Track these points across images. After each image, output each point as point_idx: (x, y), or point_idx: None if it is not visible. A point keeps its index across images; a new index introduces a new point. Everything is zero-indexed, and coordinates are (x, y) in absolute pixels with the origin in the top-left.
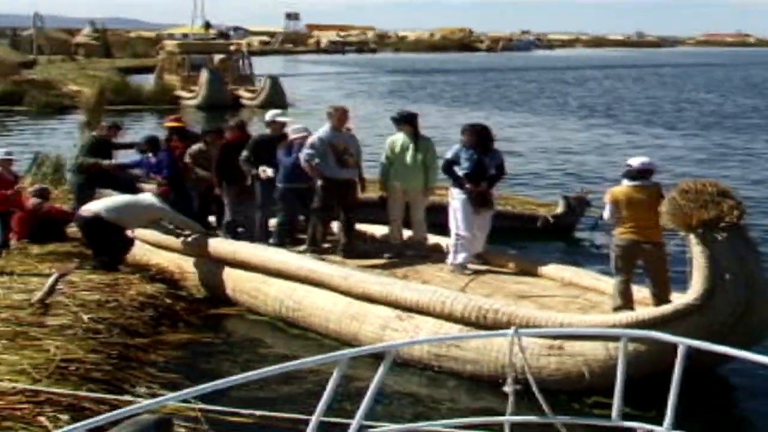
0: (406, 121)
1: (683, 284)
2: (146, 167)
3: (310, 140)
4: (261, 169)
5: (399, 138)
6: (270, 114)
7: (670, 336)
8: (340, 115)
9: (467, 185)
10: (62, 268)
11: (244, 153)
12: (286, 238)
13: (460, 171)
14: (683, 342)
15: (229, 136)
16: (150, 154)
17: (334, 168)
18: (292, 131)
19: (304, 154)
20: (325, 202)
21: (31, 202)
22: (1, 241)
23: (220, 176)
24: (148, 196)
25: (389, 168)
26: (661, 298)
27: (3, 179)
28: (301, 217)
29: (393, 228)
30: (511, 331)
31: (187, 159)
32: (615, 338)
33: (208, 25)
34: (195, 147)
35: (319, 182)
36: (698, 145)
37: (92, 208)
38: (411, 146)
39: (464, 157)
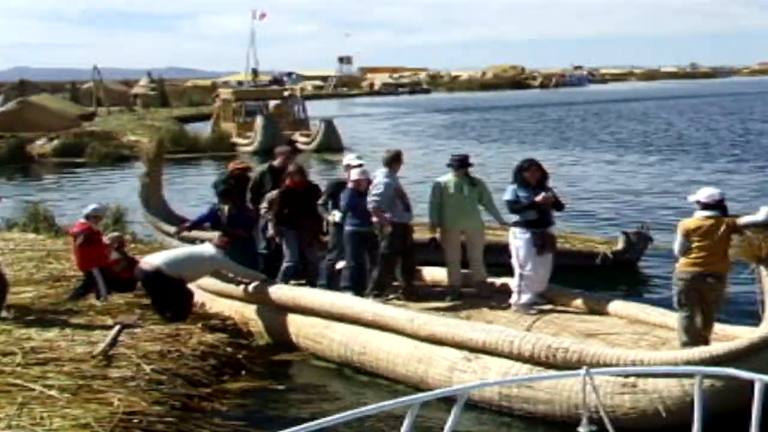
0: (460, 166)
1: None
2: (219, 220)
3: (377, 188)
4: (332, 213)
5: (450, 180)
6: (347, 159)
7: (746, 373)
8: (398, 159)
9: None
10: (124, 320)
11: (322, 198)
12: (356, 285)
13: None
14: (760, 378)
15: (289, 181)
16: (224, 207)
17: (401, 212)
18: (354, 173)
19: (373, 201)
20: (394, 247)
21: (112, 256)
22: (105, 296)
23: (279, 222)
24: (207, 248)
25: (441, 211)
26: (708, 332)
27: (97, 235)
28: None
29: (452, 270)
30: (582, 371)
31: (264, 206)
32: (689, 375)
33: (255, 73)
34: (270, 196)
35: (388, 228)
36: (762, 176)
37: (153, 261)
38: (465, 188)
39: (523, 195)
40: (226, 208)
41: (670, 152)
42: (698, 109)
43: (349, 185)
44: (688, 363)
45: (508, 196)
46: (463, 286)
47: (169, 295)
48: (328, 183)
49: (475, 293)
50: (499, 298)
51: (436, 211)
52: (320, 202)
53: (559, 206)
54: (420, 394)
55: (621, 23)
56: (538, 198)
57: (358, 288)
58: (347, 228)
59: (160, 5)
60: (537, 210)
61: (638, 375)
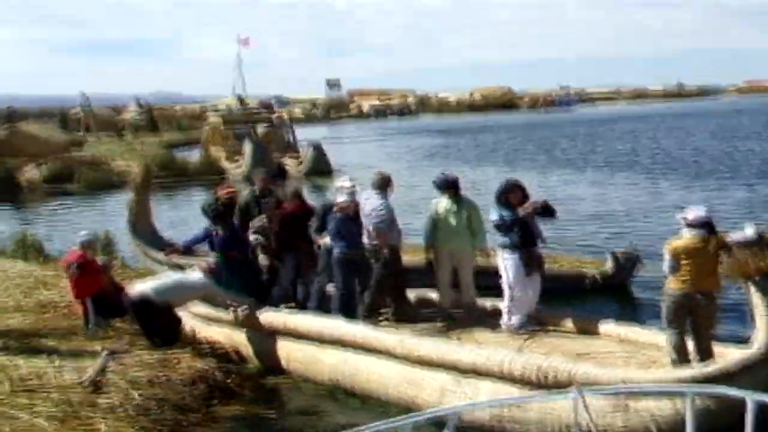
0: (446, 186)
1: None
2: (213, 243)
3: (379, 210)
4: (323, 236)
5: (442, 202)
6: (339, 181)
7: (737, 390)
8: (389, 182)
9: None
10: (113, 347)
11: (314, 221)
12: (346, 309)
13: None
14: (751, 397)
15: (288, 206)
16: (218, 228)
17: (396, 236)
18: (341, 198)
19: (375, 223)
20: (389, 270)
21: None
22: (93, 326)
23: (279, 246)
24: (194, 273)
25: (434, 232)
26: (703, 351)
27: (93, 264)
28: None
29: (442, 292)
30: (574, 391)
31: (251, 236)
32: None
33: (241, 100)
34: (257, 221)
35: (386, 251)
36: (748, 195)
37: (140, 288)
38: (455, 209)
39: (506, 215)
40: (219, 229)
41: (659, 172)
42: (686, 129)
43: (335, 209)
44: (679, 382)
45: (493, 216)
46: (453, 307)
47: (157, 321)
48: (319, 206)
49: (465, 316)
50: (489, 320)
51: (429, 232)
52: (312, 225)
53: (550, 211)
54: (412, 415)
55: (603, 44)
56: (523, 208)
57: (348, 312)
58: (335, 252)
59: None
60: (522, 231)
61: (629, 394)
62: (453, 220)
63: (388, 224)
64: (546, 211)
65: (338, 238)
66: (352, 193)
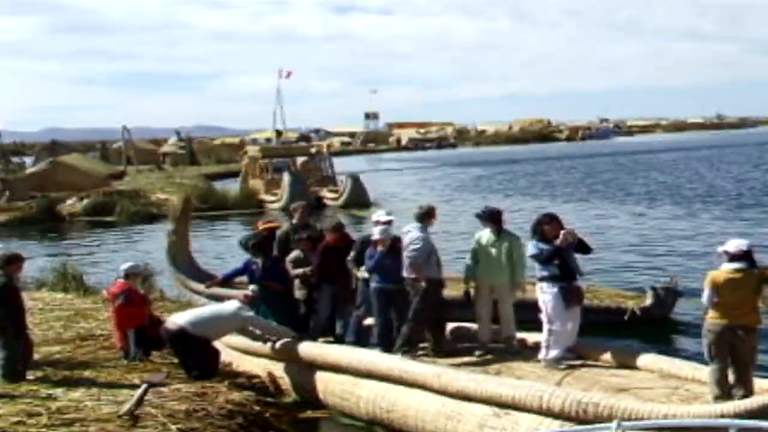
0: (489, 219)
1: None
2: (253, 273)
3: (415, 242)
4: (360, 269)
5: (484, 234)
6: (376, 215)
7: None
8: (430, 214)
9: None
10: (151, 379)
11: (352, 253)
12: (384, 342)
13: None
14: None
15: (329, 238)
16: (258, 260)
17: (434, 268)
18: (377, 232)
19: (411, 255)
20: (427, 303)
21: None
22: (139, 356)
23: (319, 278)
24: (233, 305)
25: (474, 264)
26: (742, 386)
27: (137, 294)
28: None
29: (481, 326)
30: (614, 424)
31: (288, 267)
32: (723, 430)
33: (279, 133)
34: (293, 254)
35: (423, 283)
36: None
37: (178, 321)
38: (496, 242)
39: (544, 249)
40: (260, 261)
41: (700, 204)
42: (727, 159)
43: (374, 244)
44: (722, 417)
45: (532, 251)
46: (492, 341)
47: (195, 353)
48: (357, 239)
49: (504, 350)
50: (528, 354)
51: (471, 264)
52: (349, 258)
53: (585, 248)
54: None
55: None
56: (559, 239)
57: (385, 345)
58: (373, 285)
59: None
60: (561, 263)
61: (671, 429)
62: (494, 253)
63: (424, 256)
64: (581, 246)
65: (375, 271)
66: (386, 230)
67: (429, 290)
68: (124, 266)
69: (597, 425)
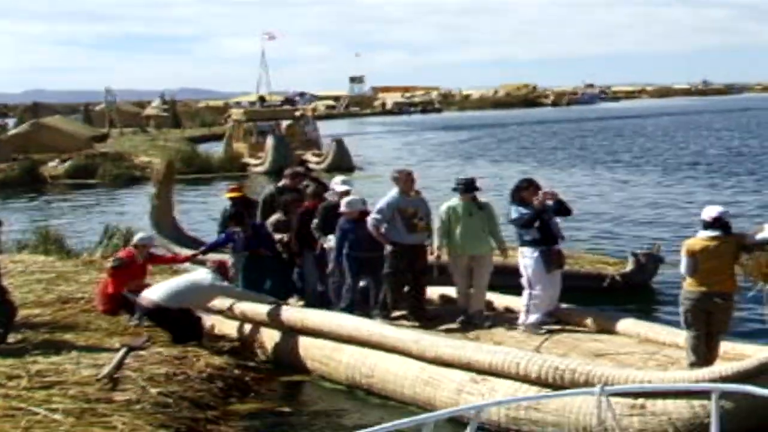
0: (467, 190)
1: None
2: (236, 243)
3: (377, 205)
4: (327, 238)
5: (458, 204)
6: (333, 182)
7: (763, 390)
8: (405, 179)
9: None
10: (131, 342)
11: (315, 221)
12: (353, 305)
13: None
14: None
15: (308, 203)
16: (238, 230)
17: (402, 233)
18: (343, 205)
19: (371, 219)
20: (395, 268)
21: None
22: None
23: (299, 244)
24: (205, 275)
25: (449, 235)
26: (711, 352)
27: (134, 265)
28: (362, 283)
29: (460, 294)
30: (597, 388)
31: (269, 230)
32: (699, 396)
33: (262, 99)
34: (274, 217)
35: (388, 248)
36: None
37: (151, 296)
38: (473, 212)
39: (524, 213)
40: (241, 231)
41: (686, 170)
42: (711, 125)
43: (342, 215)
44: (698, 383)
45: (513, 214)
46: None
47: (175, 325)
48: (320, 206)
49: (477, 322)
50: (507, 318)
51: (443, 235)
52: (313, 225)
53: (565, 210)
54: (435, 413)
55: (631, 41)
56: (537, 199)
57: (352, 308)
58: (345, 252)
59: (175, 28)
60: (541, 227)
61: (648, 396)
62: (473, 223)
63: (385, 220)
64: (560, 207)
65: (346, 243)
66: (351, 202)
67: (397, 255)
68: (135, 237)
69: (581, 389)
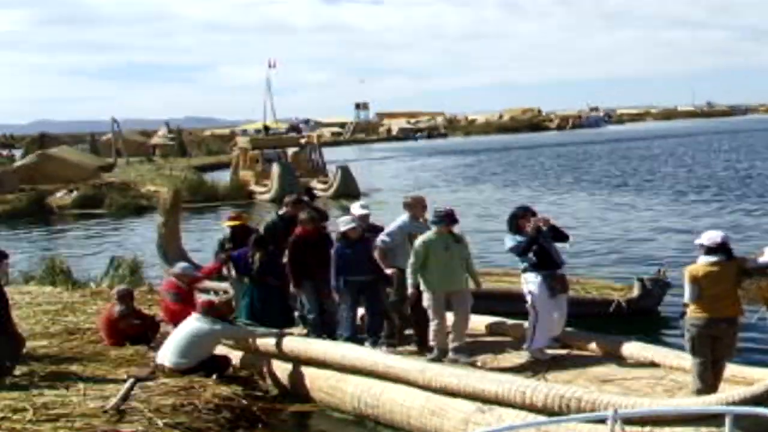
0: (449, 221)
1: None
2: (248, 266)
3: (388, 228)
4: None
5: (433, 239)
6: (353, 207)
7: None
8: (417, 204)
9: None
10: (137, 373)
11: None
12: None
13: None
14: None
15: (300, 229)
16: (256, 255)
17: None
18: (341, 222)
19: (379, 242)
20: (401, 295)
21: (115, 309)
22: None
23: (294, 272)
24: (201, 324)
25: (424, 271)
26: (715, 376)
27: (183, 293)
28: (361, 311)
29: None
30: (610, 412)
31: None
32: (706, 422)
33: (266, 129)
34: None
35: (389, 271)
36: None
37: (164, 362)
38: (451, 246)
39: (521, 241)
40: (258, 255)
41: (692, 193)
42: (718, 147)
43: (339, 236)
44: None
45: (508, 243)
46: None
47: (201, 371)
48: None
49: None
50: (513, 344)
51: (417, 272)
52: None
53: (560, 235)
54: None
55: (632, 64)
56: (530, 227)
57: (355, 337)
58: (342, 277)
59: (179, 57)
60: (540, 252)
61: (655, 423)
62: (451, 259)
63: (393, 245)
64: (556, 234)
65: (341, 265)
66: (356, 219)
67: (402, 281)
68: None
69: (595, 413)
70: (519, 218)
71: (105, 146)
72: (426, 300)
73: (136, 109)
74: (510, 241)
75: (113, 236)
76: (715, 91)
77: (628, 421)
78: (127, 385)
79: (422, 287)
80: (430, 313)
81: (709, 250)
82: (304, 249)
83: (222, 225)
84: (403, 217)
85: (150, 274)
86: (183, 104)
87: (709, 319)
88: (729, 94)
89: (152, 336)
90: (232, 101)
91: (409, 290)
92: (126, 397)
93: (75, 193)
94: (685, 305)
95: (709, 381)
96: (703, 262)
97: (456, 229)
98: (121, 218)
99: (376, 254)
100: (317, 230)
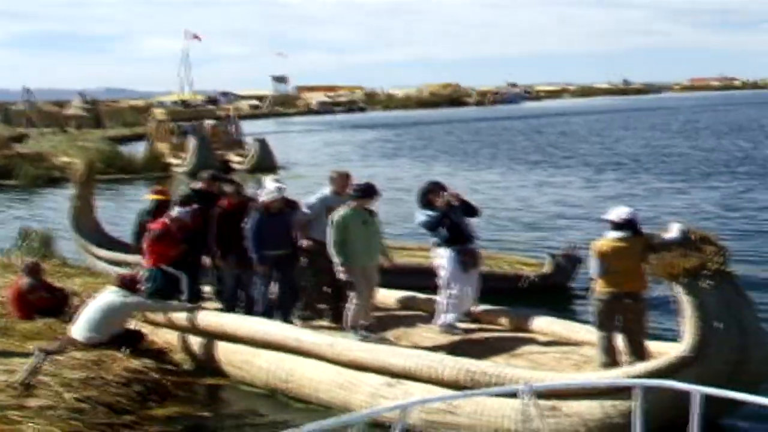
0: (369, 195)
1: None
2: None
3: (309, 200)
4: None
5: (351, 213)
6: (266, 182)
7: (685, 384)
8: (342, 180)
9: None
10: (46, 346)
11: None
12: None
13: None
14: (698, 390)
15: (226, 202)
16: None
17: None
18: (264, 193)
19: (300, 213)
20: (315, 266)
21: (24, 282)
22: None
23: (219, 245)
24: (114, 297)
25: (345, 248)
26: (635, 352)
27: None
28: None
29: (364, 308)
30: (523, 386)
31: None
32: (611, 396)
33: (185, 103)
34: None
35: (304, 242)
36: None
37: (76, 336)
38: (368, 221)
39: (432, 216)
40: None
41: (609, 169)
42: (634, 125)
43: (260, 206)
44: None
45: (420, 218)
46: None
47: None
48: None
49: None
50: (424, 318)
51: (341, 248)
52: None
53: (471, 210)
54: (364, 411)
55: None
56: (440, 202)
57: (270, 312)
58: (259, 251)
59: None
60: (451, 227)
61: (560, 397)
62: (368, 235)
63: (314, 217)
64: (467, 208)
65: (259, 237)
66: (273, 191)
67: (320, 254)
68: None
69: (507, 386)
70: (429, 193)
71: (17, 116)
72: (344, 275)
73: (49, 79)
74: (421, 215)
75: (24, 208)
76: (632, 69)
77: (536, 394)
78: (34, 358)
79: (340, 262)
80: (351, 289)
81: (617, 226)
82: (230, 222)
83: (145, 198)
84: (325, 190)
85: (63, 247)
86: (98, 75)
87: (613, 294)
88: (645, 72)
89: (63, 309)
90: (149, 73)
91: (339, 267)
92: (34, 371)
93: None
94: (592, 280)
95: (614, 355)
96: (610, 238)
97: (373, 203)
98: (34, 190)
99: (296, 225)
100: (243, 203)
